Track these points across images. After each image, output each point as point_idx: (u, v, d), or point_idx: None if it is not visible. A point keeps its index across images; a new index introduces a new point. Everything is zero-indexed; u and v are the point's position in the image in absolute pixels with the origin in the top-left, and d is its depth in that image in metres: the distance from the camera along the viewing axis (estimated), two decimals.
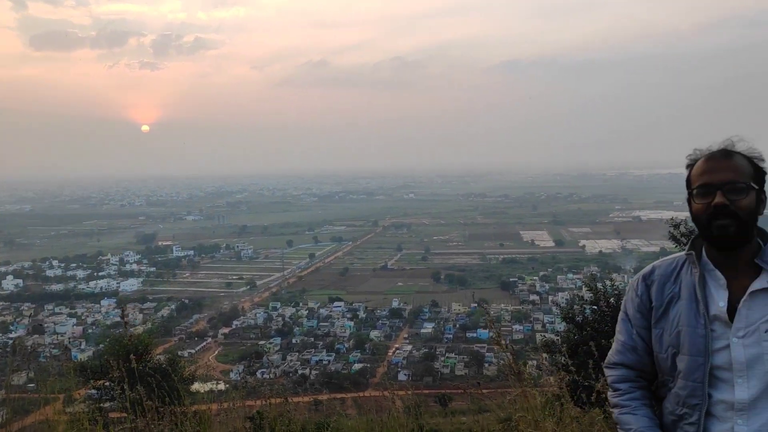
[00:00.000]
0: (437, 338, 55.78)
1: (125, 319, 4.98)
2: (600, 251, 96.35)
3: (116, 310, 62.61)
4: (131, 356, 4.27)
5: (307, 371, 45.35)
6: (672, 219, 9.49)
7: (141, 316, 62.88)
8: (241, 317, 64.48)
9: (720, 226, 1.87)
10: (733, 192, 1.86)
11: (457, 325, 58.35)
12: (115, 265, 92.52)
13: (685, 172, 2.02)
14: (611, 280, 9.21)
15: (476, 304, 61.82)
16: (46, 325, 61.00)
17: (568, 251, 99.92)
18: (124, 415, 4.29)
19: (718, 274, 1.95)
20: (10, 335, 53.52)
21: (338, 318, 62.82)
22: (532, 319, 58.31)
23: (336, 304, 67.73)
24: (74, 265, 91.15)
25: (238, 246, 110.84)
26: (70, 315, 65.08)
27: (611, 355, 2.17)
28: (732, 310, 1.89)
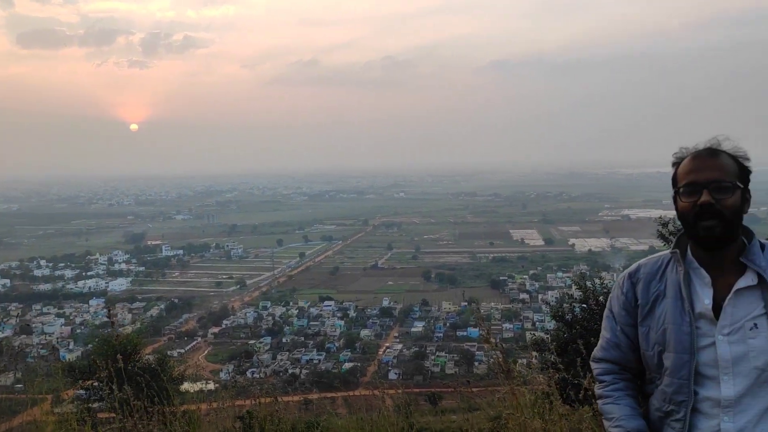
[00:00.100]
0: (427, 337, 55.85)
1: (112, 318, 4.94)
2: (589, 250, 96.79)
3: (105, 310, 61.98)
4: (118, 356, 4.24)
5: (297, 370, 45.26)
6: (660, 217, 9.55)
7: (130, 315, 62.51)
8: (231, 317, 64.25)
9: (706, 227, 1.88)
10: (719, 191, 1.87)
11: (448, 324, 58.46)
12: (104, 264, 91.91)
13: (672, 171, 2.03)
14: (600, 278, 9.25)
15: (466, 303, 61.97)
16: (33, 325, 60.48)
17: (558, 250, 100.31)
18: (113, 415, 4.26)
19: (703, 272, 1.96)
20: None
21: (328, 317, 62.75)
22: (522, 317, 58.50)
23: (326, 303, 67.65)
24: (62, 264, 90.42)
25: (227, 245, 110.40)
26: (58, 315, 64.59)
27: (596, 351, 2.21)
28: (717, 308, 1.91)
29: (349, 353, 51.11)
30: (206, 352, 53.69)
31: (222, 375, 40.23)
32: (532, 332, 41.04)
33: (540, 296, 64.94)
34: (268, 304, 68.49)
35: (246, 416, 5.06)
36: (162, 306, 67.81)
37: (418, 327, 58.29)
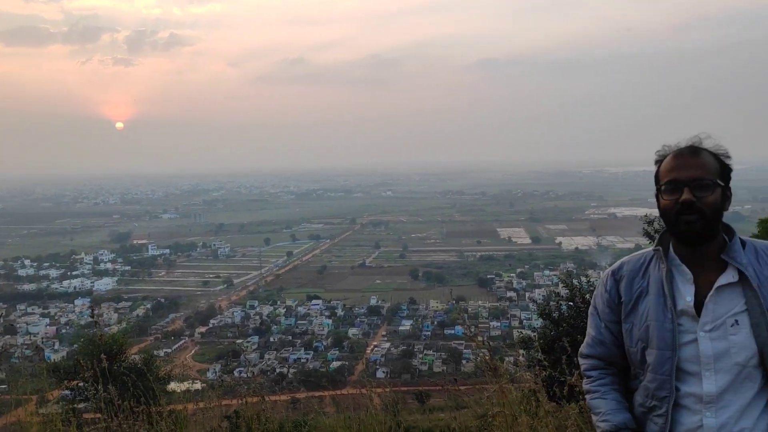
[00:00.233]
0: (415, 335, 55.95)
1: (96, 318, 4.91)
2: (576, 248, 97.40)
3: (90, 310, 61.70)
4: (102, 356, 4.21)
5: (285, 369, 45.20)
6: (646, 215, 9.65)
7: (116, 315, 62.08)
8: (218, 316, 64.00)
9: (687, 222, 1.91)
10: (700, 189, 1.89)
11: (435, 322, 58.58)
12: (89, 264, 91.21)
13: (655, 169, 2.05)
14: (587, 276, 9.32)
15: (454, 302, 62.13)
16: (18, 325, 59.91)
17: (545, 248, 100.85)
18: (99, 415, 4.23)
19: (685, 269, 1.99)
20: None
21: (316, 316, 62.70)
22: (509, 315, 58.75)
23: (314, 302, 67.59)
24: (47, 264, 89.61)
25: (214, 244, 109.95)
26: (43, 315, 64.06)
27: (582, 348, 2.24)
28: (699, 304, 1.93)
29: (337, 352, 51.09)
30: (193, 351, 53.47)
31: (209, 374, 40.14)
32: (519, 330, 41.31)
33: (527, 294, 65.23)
34: (256, 303, 68.31)
35: (233, 416, 5.04)
36: (148, 305, 67.38)
37: (406, 325, 58.37)
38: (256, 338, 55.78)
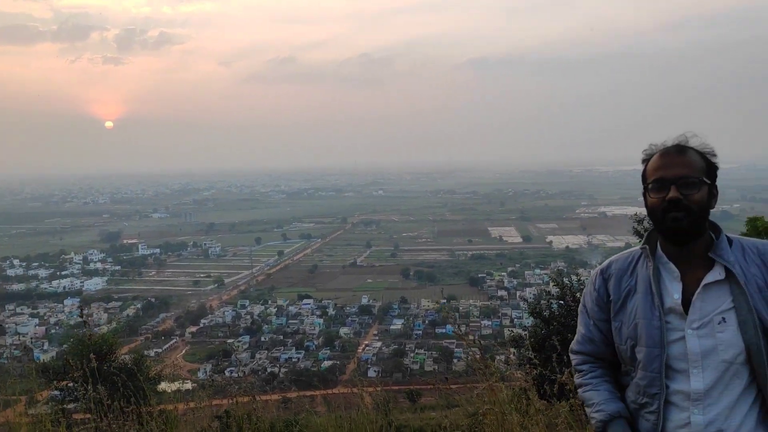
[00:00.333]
0: (407, 334, 55.98)
1: (85, 318, 4.88)
2: (567, 247, 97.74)
3: (79, 310, 61.33)
4: (91, 355, 4.19)
5: (276, 369, 45.08)
6: (636, 214, 9.71)
7: (106, 315, 61.75)
8: (209, 316, 63.77)
9: (674, 218, 1.92)
10: (686, 186, 1.91)
11: (427, 321, 58.63)
12: (79, 263, 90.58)
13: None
14: (577, 275, 9.35)
15: (445, 300, 62.19)
16: (7, 325, 59.43)
17: (536, 247, 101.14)
18: (88, 416, 4.21)
19: (672, 266, 2.00)
20: None
21: (307, 315, 62.59)
22: (500, 314, 58.87)
23: (305, 301, 67.49)
24: (36, 264, 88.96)
25: (205, 244, 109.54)
26: (32, 315, 63.61)
27: (573, 344, 2.27)
28: (687, 302, 1.95)
29: (328, 351, 51.04)
30: (184, 351, 53.27)
31: (200, 374, 39.99)
32: (510, 329, 41.35)
33: (518, 293, 65.40)
34: (247, 302, 68.11)
35: (224, 415, 5.03)
36: (139, 305, 67.02)
37: (397, 324, 58.39)
38: (247, 338, 55.62)
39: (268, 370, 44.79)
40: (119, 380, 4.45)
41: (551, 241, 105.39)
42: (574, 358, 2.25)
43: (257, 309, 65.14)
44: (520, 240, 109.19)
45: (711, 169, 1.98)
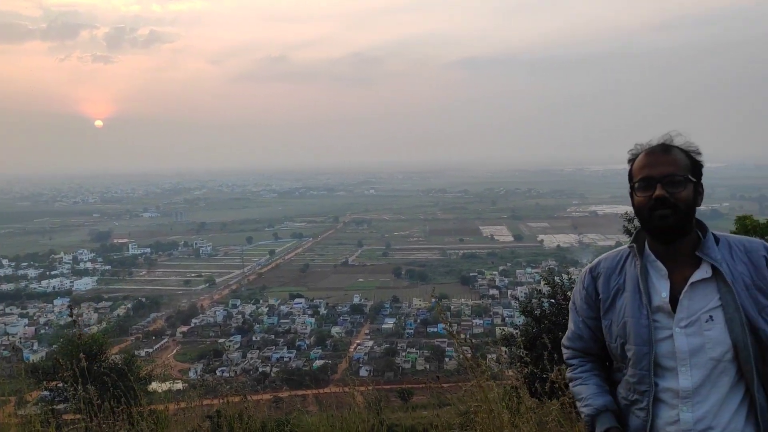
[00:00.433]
0: (398, 333, 56.01)
1: (75, 318, 4.84)
2: (558, 245, 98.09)
3: (69, 309, 60.86)
4: (81, 356, 4.17)
5: (267, 368, 45.00)
6: (626, 213, 9.72)
7: (96, 315, 61.37)
8: (200, 315, 63.57)
9: (661, 216, 1.94)
10: (672, 185, 1.94)
11: (418, 320, 58.69)
12: (69, 263, 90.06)
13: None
14: (568, 273, 9.37)
15: (436, 299, 62.22)
16: None
17: (527, 246, 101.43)
18: (78, 416, 4.19)
19: (660, 264, 2.02)
20: None
21: (299, 315, 62.49)
22: (491, 313, 59.00)
23: (297, 300, 67.39)
24: (25, 263, 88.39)
25: (196, 243, 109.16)
26: (22, 315, 63.22)
27: (563, 340, 2.32)
28: (674, 300, 1.97)
29: (320, 351, 50.99)
30: (175, 351, 53.05)
31: (191, 374, 39.87)
32: (501, 327, 41.36)
33: (509, 292, 65.43)
34: (238, 302, 67.94)
35: (215, 415, 5.02)
36: (129, 305, 66.68)
37: (389, 324, 58.41)
38: (238, 337, 55.47)
39: (260, 369, 44.71)
40: (109, 380, 4.43)
41: (542, 240, 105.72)
42: (565, 353, 2.31)
43: (248, 308, 64.99)
44: (512, 239, 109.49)
45: (696, 167, 2.00)
